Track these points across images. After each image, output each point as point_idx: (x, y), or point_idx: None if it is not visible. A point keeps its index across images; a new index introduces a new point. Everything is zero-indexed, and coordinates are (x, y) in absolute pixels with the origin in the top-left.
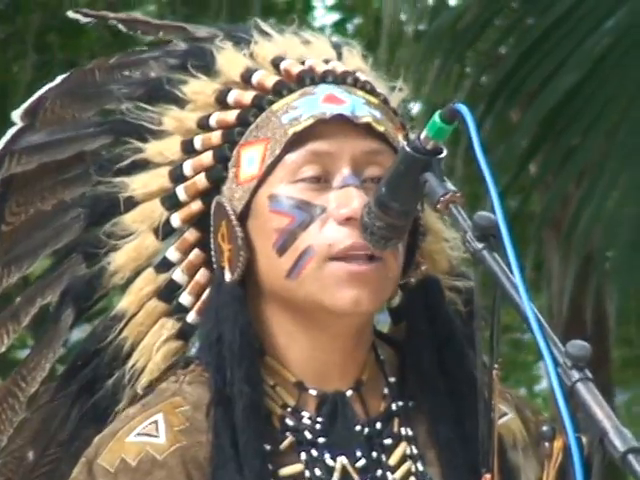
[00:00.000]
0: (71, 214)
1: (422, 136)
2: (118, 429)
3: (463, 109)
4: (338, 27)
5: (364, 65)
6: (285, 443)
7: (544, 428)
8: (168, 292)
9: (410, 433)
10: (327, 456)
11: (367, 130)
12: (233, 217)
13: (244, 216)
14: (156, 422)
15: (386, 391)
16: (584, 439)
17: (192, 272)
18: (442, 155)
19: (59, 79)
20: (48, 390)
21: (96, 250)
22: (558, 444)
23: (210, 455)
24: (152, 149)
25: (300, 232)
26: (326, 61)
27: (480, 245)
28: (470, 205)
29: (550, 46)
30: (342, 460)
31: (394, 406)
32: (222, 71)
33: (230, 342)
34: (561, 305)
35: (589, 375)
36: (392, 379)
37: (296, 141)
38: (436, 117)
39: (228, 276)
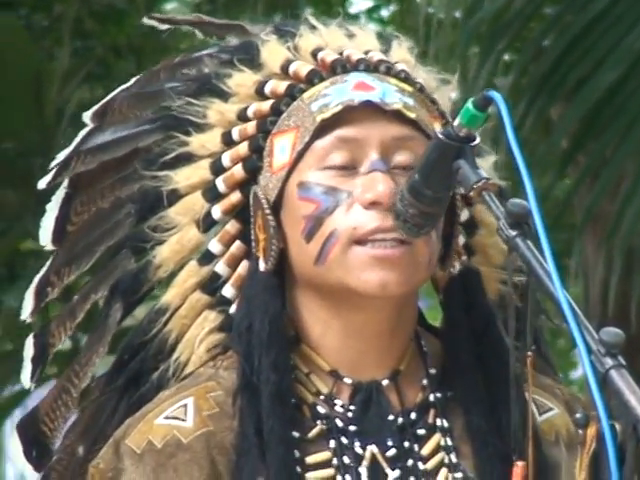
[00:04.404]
0: (124, 210)
1: (455, 123)
2: (149, 411)
3: (496, 96)
4: (371, 14)
5: (410, 57)
6: (314, 431)
7: (577, 415)
8: (211, 284)
9: (446, 425)
10: (357, 444)
11: (397, 117)
12: (266, 206)
13: (278, 205)
14: (185, 406)
15: (425, 382)
16: (617, 426)
17: (234, 264)
18: (475, 142)
19: (130, 81)
20: (98, 385)
21: (144, 244)
22: (591, 431)
23: (235, 441)
24: (195, 142)
25: (326, 217)
26: (366, 52)
27: (513, 232)
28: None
29: (590, 42)
30: (372, 449)
31: (432, 397)
32: (265, 64)
33: (259, 331)
34: (594, 293)
35: (622, 362)
36: (433, 370)
37: (325, 128)
38: (469, 104)
39: (262, 266)
